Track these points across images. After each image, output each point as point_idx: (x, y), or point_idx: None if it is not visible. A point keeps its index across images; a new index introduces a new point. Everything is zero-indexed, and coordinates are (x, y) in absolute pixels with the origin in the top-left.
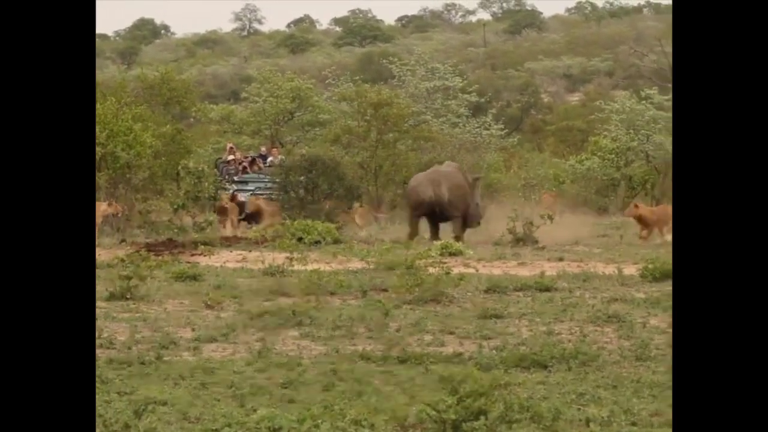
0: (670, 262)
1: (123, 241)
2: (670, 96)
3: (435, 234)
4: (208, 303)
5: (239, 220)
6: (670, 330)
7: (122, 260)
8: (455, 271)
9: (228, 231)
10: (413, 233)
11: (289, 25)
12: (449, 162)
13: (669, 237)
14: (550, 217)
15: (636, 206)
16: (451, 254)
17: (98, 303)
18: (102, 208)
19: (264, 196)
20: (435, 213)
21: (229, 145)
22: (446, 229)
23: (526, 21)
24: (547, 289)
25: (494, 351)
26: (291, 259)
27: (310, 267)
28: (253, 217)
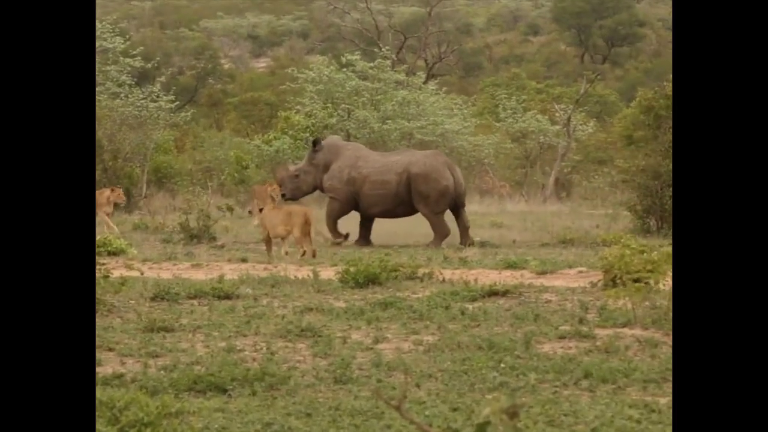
0: (375, 264)
1: None
2: (375, 62)
3: (367, 235)
4: None
5: None
6: (375, 346)
7: None
8: (115, 273)
9: None
10: (445, 232)
11: None
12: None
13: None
14: (230, 209)
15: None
16: (110, 253)
17: None
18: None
19: None
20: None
21: None
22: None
23: None
24: (228, 297)
25: (163, 371)
26: None
27: None
28: None
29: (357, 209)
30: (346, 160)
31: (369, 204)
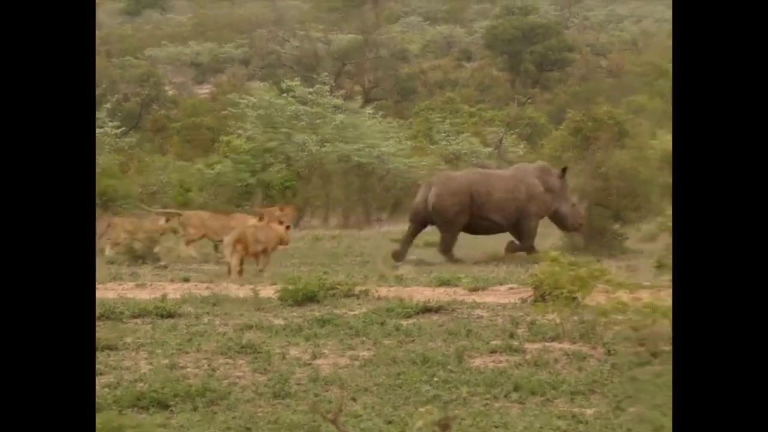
0: (313, 282)
1: None
2: (314, 88)
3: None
4: None
5: None
6: (312, 362)
7: None
8: None
9: None
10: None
11: None
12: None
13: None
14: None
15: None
16: None
17: None
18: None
19: None
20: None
21: None
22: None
23: (148, 0)
24: (170, 315)
25: (107, 389)
26: None
27: None
28: None
29: None
30: None
31: None
